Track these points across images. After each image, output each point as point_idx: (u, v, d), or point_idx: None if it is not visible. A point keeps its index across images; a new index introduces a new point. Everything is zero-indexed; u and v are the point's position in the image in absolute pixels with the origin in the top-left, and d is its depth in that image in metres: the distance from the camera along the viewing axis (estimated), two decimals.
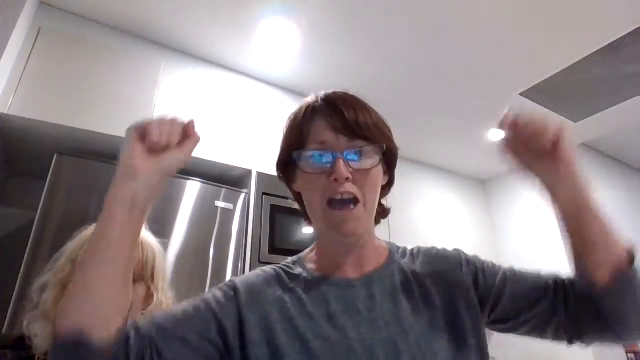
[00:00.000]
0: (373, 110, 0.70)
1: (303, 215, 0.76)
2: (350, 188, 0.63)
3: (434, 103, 2.56)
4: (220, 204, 1.82)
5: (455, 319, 0.64)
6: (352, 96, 0.70)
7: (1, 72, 1.47)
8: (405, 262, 0.72)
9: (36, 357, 0.83)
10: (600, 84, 2.38)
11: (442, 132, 2.90)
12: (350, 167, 0.63)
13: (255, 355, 0.58)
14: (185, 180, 1.76)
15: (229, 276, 1.72)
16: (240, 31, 1.99)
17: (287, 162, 0.71)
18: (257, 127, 2.13)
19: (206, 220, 1.76)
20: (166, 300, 0.95)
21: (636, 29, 1.96)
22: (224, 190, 1.86)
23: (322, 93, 0.70)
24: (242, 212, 1.88)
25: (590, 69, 2.23)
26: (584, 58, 2.14)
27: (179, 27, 1.97)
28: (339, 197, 0.63)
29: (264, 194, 1.96)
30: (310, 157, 0.65)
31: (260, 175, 1.99)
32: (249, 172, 2.00)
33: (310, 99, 0.71)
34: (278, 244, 1.91)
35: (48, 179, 1.45)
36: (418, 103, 2.54)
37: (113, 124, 1.67)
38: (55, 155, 1.48)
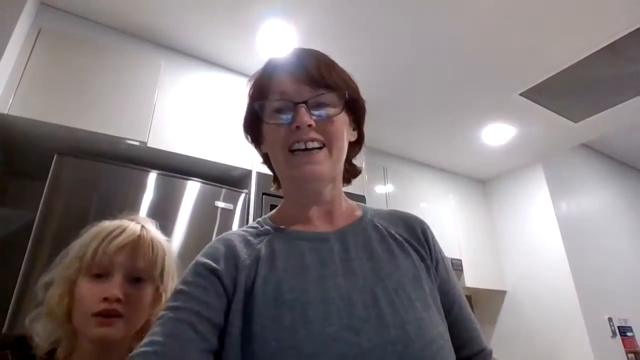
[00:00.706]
0: (337, 65, 0.70)
1: (272, 178, 0.77)
2: (314, 135, 0.63)
3: (434, 103, 2.56)
4: (220, 204, 1.82)
5: (420, 280, 0.65)
6: (316, 50, 0.70)
7: (1, 72, 1.47)
8: (378, 220, 0.73)
9: (38, 357, 0.80)
10: (600, 84, 2.38)
11: (442, 132, 2.90)
12: (312, 115, 0.63)
13: (234, 322, 0.57)
14: (185, 181, 1.76)
15: None
16: (240, 32, 1.99)
17: (252, 120, 0.73)
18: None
19: (206, 221, 1.76)
20: None
21: (636, 29, 1.96)
22: (224, 190, 1.85)
23: (287, 49, 0.71)
24: (242, 212, 1.87)
25: (591, 69, 2.23)
26: (584, 58, 2.14)
27: (179, 28, 1.97)
28: (302, 145, 0.63)
29: (264, 194, 1.96)
30: (272, 108, 0.66)
31: (261, 176, 1.99)
32: (249, 172, 2.00)
33: (273, 56, 0.72)
34: None
35: (48, 179, 1.44)
36: (418, 103, 2.54)
37: (113, 124, 1.67)
38: (55, 156, 1.48)
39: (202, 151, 1.90)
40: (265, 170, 2.20)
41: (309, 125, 0.62)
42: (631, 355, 2.90)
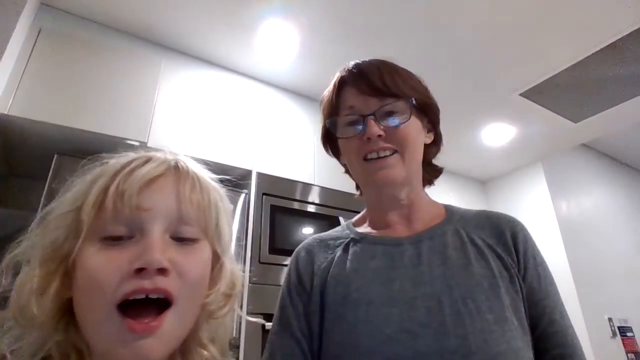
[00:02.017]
0: (402, 69, 0.72)
1: (355, 186, 0.80)
2: (384, 144, 0.65)
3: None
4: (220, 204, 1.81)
5: (497, 290, 0.60)
6: (379, 60, 0.71)
7: (1, 73, 1.47)
8: (463, 224, 0.70)
9: None
10: (600, 84, 2.38)
11: (443, 132, 2.89)
12: (381, 125, 0.65)
13: (314, 319, 0.64)
14: None
15: None
16: (240, 32, 1.99)
17: (328, 136, 0.76)
18: (257, 128, 2.13)
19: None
20: (237, 279, 0.54)
21: (636, 29, 1.96)
22: (224, 190, 1.85)
23: (350, 63, 0.72)
24: (243, 212, 1.87)
25: (591, 69, 2.22)
26: (584, 58, 2.14)
27: (179, 28, 1.97)
28: (374, 155, 0.66)
29: (264, 194, 1.96)
30: (343, 123, 0.69)
31: (261, 176, 1.99)
32: (249, 172, 1.99)
33: (339, 72, 0.73)
34: (278, 244, 1.90)
35: (48, 179, 1.44)
36: None
37: (113, 124, 1.67)
38: (55, 156, 1.48)
39: (202, 151, 1.90)
40: (266, 170, 2.21)
41: (379, 136, 0.65)
42: (631, 355, 2.90)
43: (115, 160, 0.50)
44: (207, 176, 0.58)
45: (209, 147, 1.93)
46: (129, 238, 0.44)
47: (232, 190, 1.88)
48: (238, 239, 1.81)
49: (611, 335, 2.88)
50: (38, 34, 1.64)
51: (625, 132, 3.40)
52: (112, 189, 0.45)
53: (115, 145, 1.69)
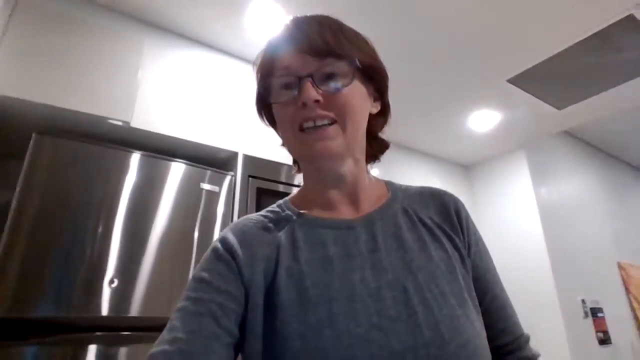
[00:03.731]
0: (348, 27, 0.63)
1: (293, 161, 0.72)
2: (322, 112, 0.57)
3: (419, 87, 2.55)
4: (205, 186, 1.79)
5: (454, 272, 0.59)
6: (322, 15, 0.63)
7: None
8: (408, 202, 0.67)
9: None
10: (585, 72, 2.40)
11: (427, 117, 2.91)
12: (319, 89, 0.57)
13: (256, 317, 0.54)
14: (170, 162, 1.73)
15: None
16: (227, 10, 1.93)
17: (262, 102, 0.67)
18: (243, 109, 2.09)
19: (191, 203, 1.73)
20: None
21: (622, 18, 1.97)
22: (209, 172, 1.83)
23: (289, 18, 0.64)
24: (228, 194, 1.85)
25: (577, 56, 2.24)
26: (571, 45, 2.15)
27: (163, 4, 1.90)
28: (311, 123, 0.57)
29: (250, 176, 1.94)
30: (277, 85, 0.60)
31: (247, 158, 1.97)
32: (235, 154, 1.97)
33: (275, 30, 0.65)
34: None
35: (26, 159, 1.40)
36: (403, 87, 2.52)
37: (94, 103, 1.62)
38: (34, 135, 1.43)
39: (188, 132, 1.86)
40: (252, 152, 2.18)
41: (317, 101, 0.56)
42: (600, 334, 3.03)
43: None
44: None
45: (194, 128, 1.89)
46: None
47: (218, 172, 1.87)
48: (223, 222, 1.79)
49: (584, 316, 3.00)
50: (14, 7, 1.55)
51: (605, 121, 3.47)
52: None
53: (97, 124, 1.66)
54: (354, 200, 0.65)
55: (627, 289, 3.49)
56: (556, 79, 2.47)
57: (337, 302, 0.52)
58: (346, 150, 0.60)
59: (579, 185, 3.68)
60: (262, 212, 0.67)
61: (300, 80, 0.57)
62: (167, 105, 1.85)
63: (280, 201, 0.69)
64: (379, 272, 0.56)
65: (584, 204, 3.62)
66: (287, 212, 0.65)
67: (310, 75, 0.56)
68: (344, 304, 0.52)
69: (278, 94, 0.60)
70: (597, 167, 4.02)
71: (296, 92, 0.57)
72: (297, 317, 0.52)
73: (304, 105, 0.56)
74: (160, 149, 1.83)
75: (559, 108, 2.77)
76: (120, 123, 1.67)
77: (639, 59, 2.29)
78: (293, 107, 0.58)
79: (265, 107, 0.68)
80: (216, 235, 1.76)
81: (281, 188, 2.03)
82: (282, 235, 0.61)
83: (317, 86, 0.57)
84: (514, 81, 2.45)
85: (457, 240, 0.63)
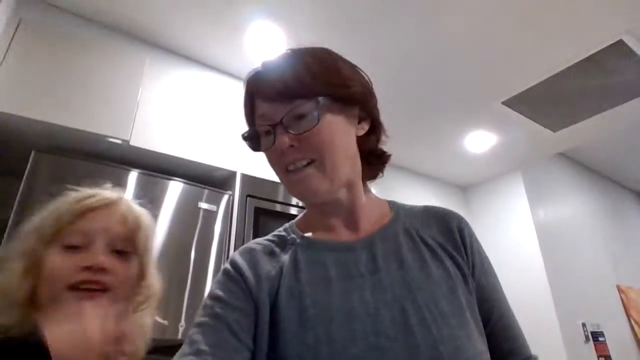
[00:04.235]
0: (316, 59, 0.62)
1: None
2: (298, 155, 0.59)
3: (417, 109, 2.58)
4: (203, 205, 1.79)
5: (456, 292, 0.59)
6: (287, 53, 0.64)
7: None
8: (410, 222, 0.67)
9: None
10: (579, 94, 2.45)
11: (424, 138, 2.93)
12: (290, 133, 0.58)
13: (263, 335, 0.55)
14: (168, 181, 1.73)
15: (209, 280, 1.69)
16: (227, 32, 1.97)
17: (253, 145, 0.68)
18: (242, 129, 2.11)
19: (188, 222, 1.73)
20: (156, 284, 0.80)
21: (615, 42, 2.02)
22: (207, 191, 1.83)
23: (258, 64, 0.65)
24: (226, 214, 1.85)
25: (571, 79, 2.29)
26: (565, 69, 2.20)
27: (165, 25, 1.94)
28: (291, 167, 0.60)
29: (248, 196, 1.94)
30: (261, 133, 0.62)
31: (245, 177, 1.97)
32: (234, 173, 1.97)
33: (248, 73, 0.66)
34: None
35: (24, 176, 1.39)
36: (400, 109, 2.56)
37: (94, 121, 1.63)
38: (33, 152, 1.43)
39: (186, 151, 1.87)
40: (250, 172, 2.18)
41: (291, 146, 0.58)
42: (602, 359, 2.98)
43: (74, 194, 0.75)
44: (139, 208, 0.80)
45: (193, 147, 1.90)
46: (83, 247, 0.68)
47: (216, 191, 1.87)
48: (220, 242, 1.78)
49: (584, 340, 2.96)
50: (18, 25, 1.58)
51: (600, 142, 3.52)
52: (74, 212, 0.70)
53: (95, 142, 1.67)
54: (353, 222, 0.66)
55: (627, 313, 3.46)
56: (550, 102, 2.51)
57: (335, 322, 0.53)
58: (330, 185, 0.61)
59: (575, 207, 3.68)
60: (269, 236, 0.69)
61: (273, 128, 0.59)
62: (166, 124, 1.86)
63: (287, 224, 0.71)
64: (379, 293, 0.56)
65: (582, 226, 3.62)
66: (292, 235, 0.67)
67: (281, 122, 0.58)
68: (342, 323, 0.53)
69: (263, 140, 0.63)
70: (593, 189, 4.04)
71: (273, 140, 0.60)
72: (296, 336, 0.53)
73: (282, 152, 0.59)
74: (159, 168, 1.83)
75: (553, 130, 2.81)
76: (119, 141, 1.68)
77: (629, 83, 2.33)
78: (274, 154, 0.61)
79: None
80: (213, 254, 1.74)
81: (279, 208, 2.03)
82: (286, 257, 0.62)
83: (289, 131, 0.58)
84: (509, 103, 2.48)
85: (459, 259, 0.63)
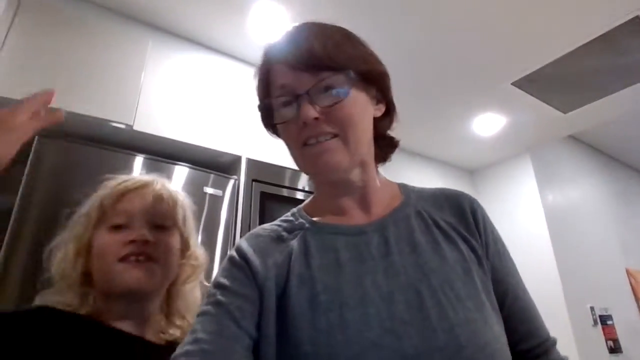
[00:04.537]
0: (339, 33, 0.62)
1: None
2: (323, 128, 0.57)
3: (425, 91, 2.53)
4: (209, 190, 1.77)
5: (470, 274, 0.58)
6: (311, 24, 0.62)
7: None
8: (422, 204, 0.65)
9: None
10: (591, 75, 2.39)
11: (432, 121, 2.89)
12: (317, 105, 0.56)
13: (269, 322, 0.54)
14: (173, 165, 1.71)
15: (216, 265, 1.68)
16: (231, 13, 1.93)
17: (265, 119, 0.67)
18: (247, 112, 2.08)
19: (194, 207, 1.71)
20: (201, 255, 0.89)
21: (630, 20, 1.95)
22: (212, 176, 1.81)
23: (281, 32, 0.63)
24: (231, 199, 1.83)
25: (583, 59, 2.22)
26: (577, 48, 2.14)
27: (168, 7, 1.90)
28: (313, 140, 0.57)
29: (253, 180, 1.92)
30: (277, 105, 0.60)
31: (250, 162, 1.95)
32: (239, 158, 1.95)
33: (267, 44, 0.64)
34: None
35: (28, 162, 1.38)
36: (408, 91, 2.50)
37: (98, 105, 1.61)
38: (36, 138, 1.42)
39: (191, 135, 1.85)
40: (256, 156, 2.16)
41: (316, 118, 0.56)
42: (610, 343, 2.97)
43: (114, 179, 0.83)
44: (174, 188, 0.88)
45: (197, 131, 1.88)
46: (126, 226, 0.76)
47: (221, 176, 1.85)
48: (227, 227, 1.77)
49: (592, 324, 2.95)
50: (17, 7, 1.55)
51: (610, 125, 3.44)
52: (116, 196, 0.78)
53: (99, 127, 1.65)
54: (365, 205, 0.64)
55: (636, 296, 3.44)
56: (561, 83, 2.45)
57: (348, 307, 0.52)
58: (350, 162, 0.59)
59: (585, 191, 3.63)
60: (277, 222, 0.68)
61: (297, 98, 0.57)
62: (170, 108, 1.84)
63: (294, 209, 0.69)
64: (392, 276, 0.55)
65: (590, 210, 3.57)
66: (300, 220, 0.65)
67: (307, 93, 0.56)
68: (356, 308, 0.52)
69: (279, 114, 0.61)
70: (603, 171, 3.98)
71: (295, 111, 0.57)
72: (308, 322, 0.51)
73: (304, 124, 0.56)
74: (163, 153, 1.81)
75: (564, 112, 2.75)
76: (122, 126, 1.66)
77: None
78: (294, 126, 0.58)
79: (270, 123, 0.68)
80: (220, 239, 1.73)
81: (285, 192, 2.01)
82: (294, 242, 0.61)
83: (315, 103, 0.56)
84: (519, 84, 2.43)
85: (473, 241, 0.61)
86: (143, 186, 0.81)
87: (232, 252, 0.62)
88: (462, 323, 0.50)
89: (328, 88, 0.57)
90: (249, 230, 1.81)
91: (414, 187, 0.71)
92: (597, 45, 2.12)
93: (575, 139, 3.76)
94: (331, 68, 0.57)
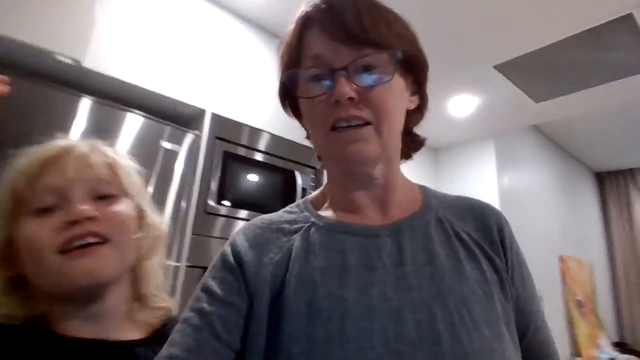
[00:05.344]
0: (387, 9, 0.55)
1: (317, 157, 0.64)
2: (357, 112, 0.50)
3: None
4: (164, 143, 1.60)
5: (491, 298, 0.51)
6: None
7: None
8: (443, 212, 0.59)
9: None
10: (571, 68, 2.36)
11: None
12: (355, 84, 0.50)
13: (259, 328, 0.48)
14: (125, 112, 1.51)
15: (165, 223, 1.55)
16: None
17: (286, 92, 0.60)
18: (217, 61, 1.87)
19: (146, 161, 1.53)
20: (160, 224, 0.72)
21: (621, 17, 1.92)
22: (170, 128, 1.63)
23: None
24: (190, 156, 1.67)
25: (567, 51, 2.19)
26: (564, 38, 2.09)
27: None
28: (344, 123, 0.51)
29: (217, 137, 1.76)
30: (305, 77, 0.53)
31: (215, 117, 1.77)
32: (202, 111, 1.76)
33: (304, 6, 0.56)
34: (228, 194, 1.74)
35: None
36: None
37: (41, 35, 1.35)
38: None
39: (149, 80, 1.63)
40: (222, 112, 1.97)
41: (350, 98, 0.49)
42: None
43: (34, 150, 0.62)
44: (113, 150, 0.69)
45: (157, 76, 1.66)
46: (58, 207, 0.57)
47: (180, 129, 1.67)
48: (181, 186, 1.62)
49: None
50: None
51: (572, 120, 3.53)
52: (39, 173, 0.58)
53: (42, 60, 1.40)
54: (382, 204, 0.58)
55: (564, 280, 3.68)
56: (541, 72, 2.42)
57: (350, 319, 0.46)
58: (380, 153, 0.53)
59: (537, 179, 3.78)
60: (280, 212, 0.62)
61: (333, 73, 0.50)
62: (127, 46, 1.60)
63: (300, 200, 0.63)
64: (403, 289, 0.49)
65: (539, 196, 3.74)
66: (306, 213, 0.59)
67: (345, 68, 0.49)
68: (359, 321, 0.46)
69: (306, 87, 0.53)
70: (555, 163, 4.14)
71: (327, 87, 0.51)
72: (304, 331, 0.46)
73: (337, 102, 0.50)
74: (116, 97, 1.60)
75: (536, 101, 2.75)
76: (70, 61, 1.42)
77: (627, 60, 2.27)
78: (324, 104, 0.51)
79: (291, 97, 0.60)
80: (171, 198, 1.58)
81: (252, 155, 1.87)
82: (296, 238, 0.55)
83: (352, 81, 0.50)
84: (500, 68, 2.37)
85: (497, 261, 0.55)
86: (66, 151, 0.62)
87: (226, 247, 0.56)
88: (476, 352, 0.45)
89: (369, 67, 0.51)
90: (208, 192, 1.70)
91: (435, 191, 0.64)
92: (584, 38, 2.07)
93: (536, 128, 3.85)
94: (376, 45, 0.50)
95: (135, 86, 1.60)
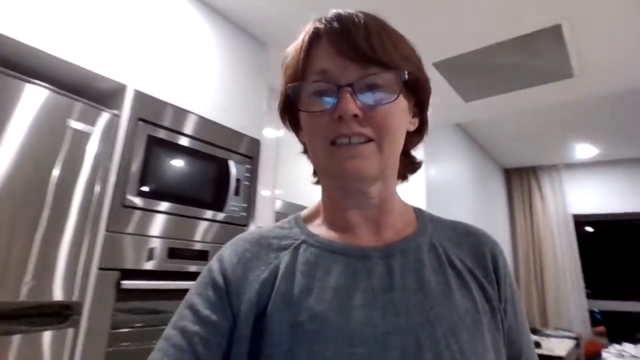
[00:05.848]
0: (393, 30, 0.56)
1: (313, 172, 0.64)
2: (359, 128, 0.50)
3: None
4: (73, 123, 1.35)
5: (480, 328, 0.51)
6: (366, 14, 0.54)
7: None
8: (438, 236, 0.58)
9: None
10: (501, 70, 2.49)
11: None
12: (359, 101, 0.50)
13: (241, 349, 0.48)
14: (25, 83, 1.24)
15: (72, 218, 1.31)
16: None
17: (288, 104, 0.59)
18: (142, 30, 1.62)
19: (49, 143, 1.29)
20: None
21: (551, 26, 2.03)
22: (81, 105, 1.38)
23: (329, 13, 0.55)
24: (105, 138, 1.43)
25: (501, 54, 2.28)
26: (500, 42, 2.17)
27: None
28: (344, 140, 0.50)
29: (140, 119, 1.53)
30: (310, 91, 0.53)
31: (139, 95, 1.53)
32: (123, 87, 1.51)
33: (314, 22, 0.55)
34: (151, 185, 1.53)
35: None
36: None
37: None
38: None
39: (56, 46, 1.36)
40: (147, 89, 1.72)
41: (355, 115, 0.49)
42: None
43: None
44: None
45: (67, 42, 1.38)
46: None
47: (94, 107, 1.42)
48: (93, 173, 1.39)
49: None
50: None
51: (490, 120, 3.78)
52: None
53: None
54: (376, 225, 0.57)
55: None
56: (474, 72, 2.51)
57: (333, 343, 0.46)
58: (379, 172, 0.53)
59: (457, 172, 4.06)
60: (271, 226, 0.61)
61: (339, 88, 0.50)
62: (32, 2, 1.31)
63: (293, 216, 0.62)
64: (390, 315, 0.48)
65: (458, 188, 4.01)
66: (296, 229, 0.58)
67: (351, 85, 0.50)
68: (342, 346, 0.45)
69: (309, 100, 0.53)
70: (473, 159, 4.46)
71: (332, 102, 0.51)
72: (285, 354, 0.46)
73: (340, 118, 0.50)
74: (14, 63, 1.31)
75: (466, 100, 2.86)
76: None
77: (549, 67, 2.42)
78: (326, 119, 0.51)
79: (291, 111, 0.59)
80: (79, 189, 1.35)
81: (181, 141, 1.66)
82: (285, 255, 0.54)
83: (357, 98, 0.50)
84: (438, 65, 2.40)
85: (490, 290, 0.55)
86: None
87: (213, 263, 0.55)
88: None
89: (374, 86, 0.51)
90: (127, 181, 1.47)
91: (431, 214, 0.64)
92: (519, 43, 2.17)
93: (458, 125, 4.08)
94: (383, 64, 0.51)
95: (39, 51, 1.32)
